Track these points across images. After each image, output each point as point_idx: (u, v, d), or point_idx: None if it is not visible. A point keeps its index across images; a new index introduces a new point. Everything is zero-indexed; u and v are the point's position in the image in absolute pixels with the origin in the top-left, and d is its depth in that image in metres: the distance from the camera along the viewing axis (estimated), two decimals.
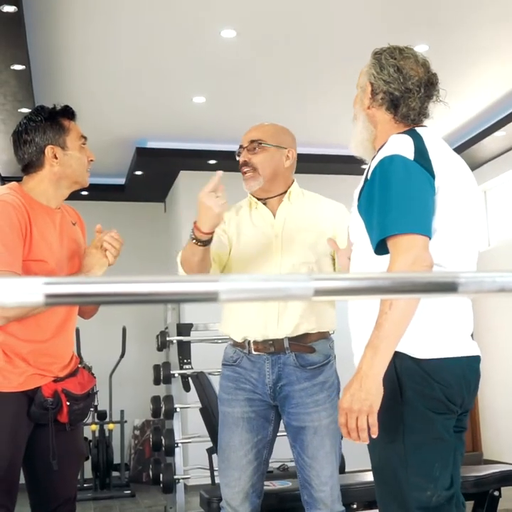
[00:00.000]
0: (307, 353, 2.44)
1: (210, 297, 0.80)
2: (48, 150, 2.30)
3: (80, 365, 2.43)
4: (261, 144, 2.52)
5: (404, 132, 1.91)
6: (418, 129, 1.94)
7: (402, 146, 1.84)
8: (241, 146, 2.57)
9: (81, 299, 0.79)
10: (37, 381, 2.24)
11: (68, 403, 2.28)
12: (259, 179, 2.51)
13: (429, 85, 1.98)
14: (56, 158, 2.31)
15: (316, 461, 2.38)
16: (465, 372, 1.84)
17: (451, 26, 4.51)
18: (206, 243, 2.31)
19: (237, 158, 2.58)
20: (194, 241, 2.31)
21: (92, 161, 2.41)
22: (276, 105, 5.63)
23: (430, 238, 1.76)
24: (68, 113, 2.37)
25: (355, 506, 3.16)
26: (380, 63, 1.98)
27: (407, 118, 1.97)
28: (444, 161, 1.89)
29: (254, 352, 2.44)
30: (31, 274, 2.16)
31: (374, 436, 1.73)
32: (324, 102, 5.63)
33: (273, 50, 4.76)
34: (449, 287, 0.85)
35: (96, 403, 6.56)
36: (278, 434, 2.56)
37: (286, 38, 4.60)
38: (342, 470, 3.99)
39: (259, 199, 2.58)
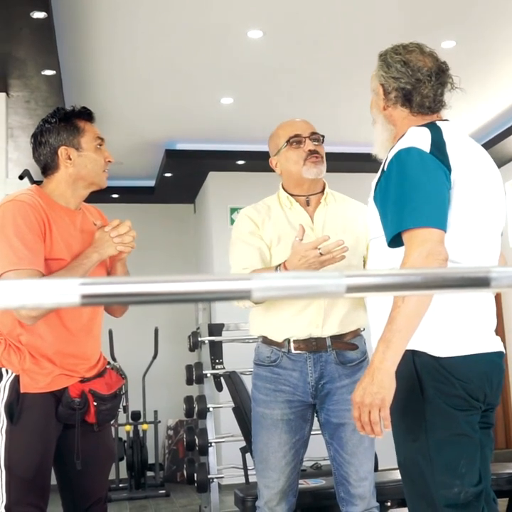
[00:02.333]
0: (348, 350, 2.44)
1: (244, 295, 0.81)
2: (62, 151, 2.32)
3: (107, 366, 2.45)
4: (324, 138, 2.55)
5: (423, 125, 1.90)
6: (438, 123, 1.93)
7: (418, 138, 1.84)
8: (297, 135, 2.51)
9: (116, 298, 0.81)
10: (63, 382, 2.26)
11: (95, 403, 2.29)
12: (324, 166, 2.52)
13: (440, 73, 1.97)
14: (70, 159, 2.32)
15: (355, 458, 2.39)
16: (486, 368, 1.82)
17: (478, 22, 4.47)
18: None
19: (292, 146, 2.51)
20: None
21: (109, 162, 2.39)
22: (304, 104, 5.62)
23: (445, 232, 1.75)
24: (84, 114, 2.38)
25: (388, 504, 3.15)
26: (386, 62, 1.99)
27: (423, 106, 1.96)
28: (463, 154, 1.87)
29: (294, 351, 2.43)
30: (52, 273, 2.19)
31: (387, 429, 1.73)
32: (353, 100, 5.61)
33: (300, 50, 4.76)
34: (481, 282, 0.85)
35: (125, 404, 6.64)
36: (313, 432, 2.56)
37: (313, 38, 4.60)
38: (375, 468, 3.98)
39: (297, 196, 2.55)
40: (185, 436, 5.32)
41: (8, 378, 2.22)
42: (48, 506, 2.27)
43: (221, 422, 6.04)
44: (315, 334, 2.42)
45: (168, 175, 6.98)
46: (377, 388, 1.70)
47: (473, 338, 1.83)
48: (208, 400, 5.13)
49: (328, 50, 4.79)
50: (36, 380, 2.22)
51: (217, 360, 5.11)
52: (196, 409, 5.10)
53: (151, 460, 6.83)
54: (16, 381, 2.21)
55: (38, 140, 2.36)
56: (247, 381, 4.02)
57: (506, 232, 6.68)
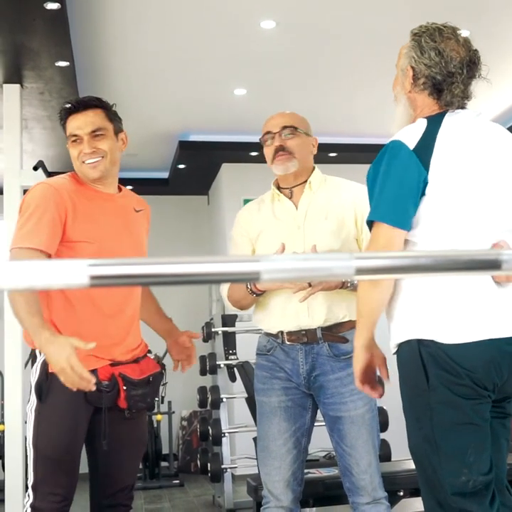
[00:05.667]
0: (340, 342, 2.43)
1: (252, 277, 0.81)
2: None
3: (149, 355, 2.46)
4: (297, 129, 2.53)
5: (431, 116, 1.91)
6: (448, 114, 1.92)
7: (410, 133, 1.87)
8: (268, 132, 2.55)
9: (126, 280, 0.81)
10: (92, 363, 2.26)
11: (125, 388, 2.30)
12: (294, 161, 2.50)
13: (471, 65, 1.95)
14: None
15: (355, 450, 2.38)
16: (493, 355, 1.78)
17: (492, 12, 4.42)
18: (260, 295, 2.47)
19: (266, 144, 2.56)
20: (250, 292, 2.46)
21: (86, 154, 2.38)
22: (318, 95, 5.60)
23: (407, 230, 1.83)
24: (66, 111, 2.43)
25: (401, 493, 3.15)
26: (420, 46, 1.95)
27: (451, 104, 1.95)
28: (460, 150, 1.86)
29: (287, 342, 2.44)
30: (76, 254, 2.24)
31: (374, 395, 1.98)
32: (367, 90, 5.58)
33: (313, 40, 4.73)
34: (492, 265, 0.84)
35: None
36: (321, 422, 2.56)
37: (327, 28, 4.57)
38: (388, 458, 3.98)
39: (283, 189, 2.58)
40: (199, 426, 5.34)
41: (40, 359, 2.27)
42: (74, 490, 2.29)
43: (234, 413, 6.05)
44: (304, 325, 2.42)
45: (181, 166, 6.98)
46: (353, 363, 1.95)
47: (479, 324, 1.80)
48: (222, 391, 5.14)
49: (341, 41, 4.76)
50: None
51: (230, 351, 5.12)
52: (210, 399, 5.12)
53: (165, 450, 6.87)
54: (46, 362, 2.23)
55: None
56: None
57: None
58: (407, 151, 1.83)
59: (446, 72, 1.92)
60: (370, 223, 1.87)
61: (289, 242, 2.45)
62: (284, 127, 2.54)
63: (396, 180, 1.83)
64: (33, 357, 2.32)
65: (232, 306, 2.60)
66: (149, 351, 2.48)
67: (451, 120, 1.90)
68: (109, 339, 2.32)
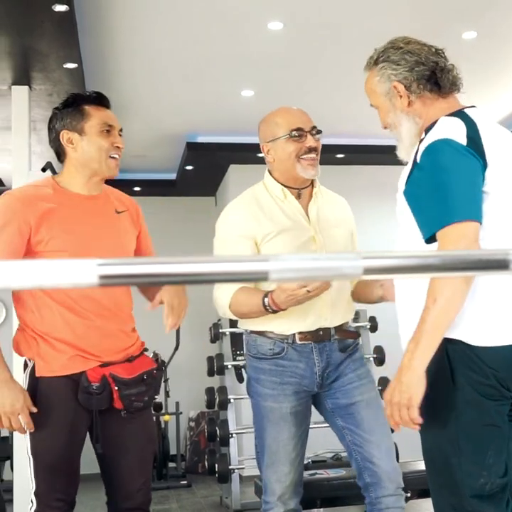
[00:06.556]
0: (352, 338, 2.47)
1: (261, 277, 0.81)
2: (63, 134, 2.29)
3: (146, 353, 2.39)
4: (321, 132, 2.45)
5: (454, 114, 1.84)
6: (468, 111, 1.87)
7: (454, 130, 1.78)
8: (300, 129, 2.42)
9: (135, 279, 0.81)
10: (79, 365, 2.21)
11: (116, 388, 2.22)
12: (319, 167, 2.44)
13: (440, 54, 1.94)
14: (72, 143, 2.29)
15: (374, 435, 2.36)
16: None
17: (499, 13, 4.41)
18: (278, 312, 2.28)
19: (292, 140, 2.41)
20: (270, 310, 2.26)
21: (118, 147, 2.30)
22: (326, 96, 5.60)
23: (481, 223, 1.71)
24: (92, 99, 2.32)
25: (409, 494, 3.14)
26: (390, 61, 1.94)
27: (455, 84, 1.92)
28: (498, 146, 1.82)
29: (299, 341, 2.38)
30: None
31: (415, 428, 1.75)
32: None
33: (321, 41, 4.73)
34: (499, 264, 0.84)
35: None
36: (328, 425, 2.55)
37: (334, 28, 4.57)
38: (396, 459, 3.96)
39: (290, 188, 2.47)
40: (206, 427, 5.35)
41: (30, 367, 2.23)
42: (77, 493, 2.28)
43: (242, 413, 6.05)
44: (323, 325, 2.40)
45: (189, 168, 6.99)
46: (404, 387, 1.73)
47: (509, 328, 1.78)
48: (229, 391, 5.14)
49: (349, 42, 4.76)
50: (50, 363, 2.19)
51: (238, 352, 5.13)
52: (217, 400, 5.13)
53: (172, 451, 6.87)
54: (34, 369, 2.22)
55: (49, 127, 2.36)
56: None
57: None
58: (462, 146, 1.74)
59: (430, 63, 1.91)
60: (432, 235, 1.74)
61: (307, 247, 2.41)
62: (313, 127, 2.44)
63: (459, 175, 1.73)
64: (24, 365, 2.27)
65: (233, 315, 2.42)
66: (146, 349, 2.41)
67: (478, 116, 1.85)
68: (97, 340, 2.23)
